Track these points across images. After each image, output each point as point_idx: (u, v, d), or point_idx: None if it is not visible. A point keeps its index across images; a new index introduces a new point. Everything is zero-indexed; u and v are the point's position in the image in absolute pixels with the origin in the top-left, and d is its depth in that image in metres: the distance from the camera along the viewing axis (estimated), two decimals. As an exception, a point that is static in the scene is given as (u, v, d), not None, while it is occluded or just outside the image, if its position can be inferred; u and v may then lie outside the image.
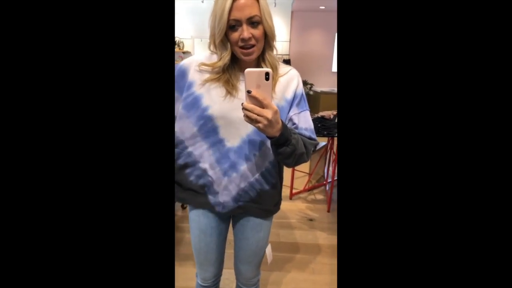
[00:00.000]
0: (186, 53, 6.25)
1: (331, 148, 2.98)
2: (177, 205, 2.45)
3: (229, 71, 0.85)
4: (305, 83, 6.22)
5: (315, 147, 0.97)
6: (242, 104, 0.71)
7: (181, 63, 0.90)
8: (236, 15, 0.76)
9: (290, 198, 2.74)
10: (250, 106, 0.70)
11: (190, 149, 0.90)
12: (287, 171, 1.48)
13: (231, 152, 0.87)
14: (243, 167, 0.88)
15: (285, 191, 2.71)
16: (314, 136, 0.91)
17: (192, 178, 0.92)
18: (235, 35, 0.79)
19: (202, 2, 5.83)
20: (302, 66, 6.35)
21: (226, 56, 0.83)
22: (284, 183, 1.05)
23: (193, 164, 0.91)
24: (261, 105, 0.70)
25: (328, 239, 2.14)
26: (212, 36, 0.82)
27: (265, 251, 1.06)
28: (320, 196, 2.84)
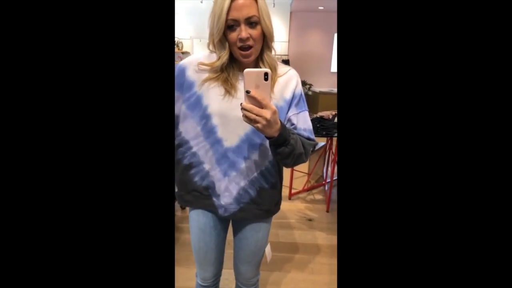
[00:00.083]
0: (185, 54, 6.26)
1: (330, 148, 2.99)
2: (177, 205, 2.45)
3: (227, 70, 0.86)
4: (304, 83, 6.23)
5: (314, 147, 0.98)
6: (241, 104, 0.71)
7: (180, 63, 0.91)
8: (234, 15, 0.77)
9: (289, 198, 2.74)
10: (249, 106, 0.70)
11: (194, 149, 0.91)
12: (286, 171, 1.48)
13: (229, 152, 0.88)
14: (242, 165, 0.89)
15: (284, 191, 2.71)
16: (312, 136, 0.92)
17: (197, 179, 0.93)
18: (233, 35, 0.79)
19: (201, 2, 5.84)
20: (301, 66, 6.36)
21: (225, 56, 0.83)
22: (283, 183, 1.05)
23: (198, 164, 0.91)
24: (260, 105, 0.70)
25: (327, 239, 2.14)
26: (211, 35, 0.83)
27: (264, 251, 1.06)
28: (319, 196, 2.85)
